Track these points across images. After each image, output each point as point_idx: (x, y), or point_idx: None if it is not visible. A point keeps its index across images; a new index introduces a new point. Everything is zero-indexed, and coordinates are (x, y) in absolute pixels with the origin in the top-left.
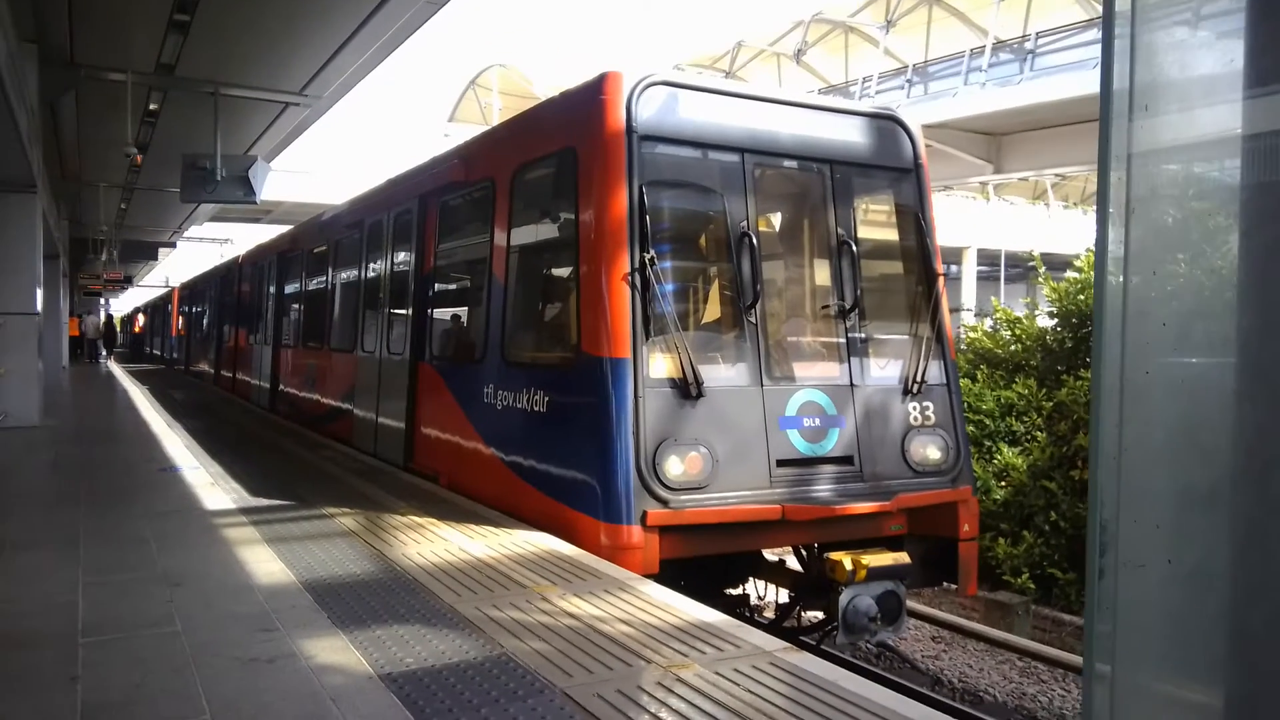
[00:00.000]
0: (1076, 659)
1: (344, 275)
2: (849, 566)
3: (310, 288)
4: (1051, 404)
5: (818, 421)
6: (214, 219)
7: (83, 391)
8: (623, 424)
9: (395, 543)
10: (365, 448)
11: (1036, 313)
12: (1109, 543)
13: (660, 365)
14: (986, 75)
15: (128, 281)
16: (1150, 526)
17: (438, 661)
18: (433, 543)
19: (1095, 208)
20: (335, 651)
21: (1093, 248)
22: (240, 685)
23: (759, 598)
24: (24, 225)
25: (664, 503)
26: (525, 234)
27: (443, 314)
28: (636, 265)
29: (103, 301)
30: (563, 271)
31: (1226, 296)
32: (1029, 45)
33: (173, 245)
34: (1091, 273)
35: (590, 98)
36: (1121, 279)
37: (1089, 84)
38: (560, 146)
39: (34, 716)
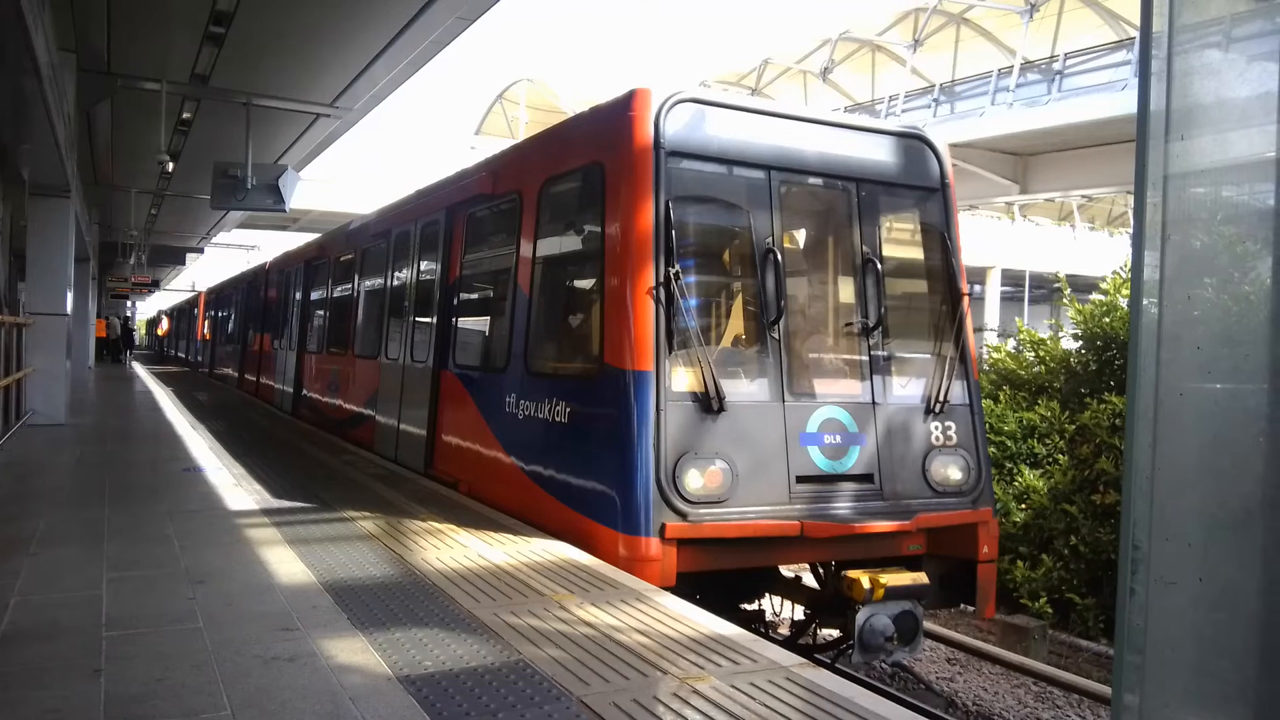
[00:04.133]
0: (1093, 685)
1: (370, 283)
2: (866, 585)
3: (336, 295)
4: (1074, 427)
5: (838, 439)
6: (241, 226)
7: (108, 391)
8: (643, 436)
9: (415, 547)
10: (386, 453)
11: (1061, 335)
12: (1141, 560)
13: (682, 378)
14: (1014, 95)
15: (155, 285)
16: (1182, 545)
17: (455, 665)
18: (452, 549)
19: (1131, 231)
20: (355, 652)
21: (1119, 271)
22: (260, 683)
23: (774, 614)
24: (57, 229)
25: (683, 516)
26: (551, 246)
27: (467, 323)
28: (661, 279)
29: (129, 304)
30: (587, 284)
31: (1257, 321)
32: (1057, 66)
33: (200, 251)
34: (1117, 295)
35: (619, 114)
36: (1157, 302)
37: (1118, 106)
38: (588, 161)
39: (58, 706)
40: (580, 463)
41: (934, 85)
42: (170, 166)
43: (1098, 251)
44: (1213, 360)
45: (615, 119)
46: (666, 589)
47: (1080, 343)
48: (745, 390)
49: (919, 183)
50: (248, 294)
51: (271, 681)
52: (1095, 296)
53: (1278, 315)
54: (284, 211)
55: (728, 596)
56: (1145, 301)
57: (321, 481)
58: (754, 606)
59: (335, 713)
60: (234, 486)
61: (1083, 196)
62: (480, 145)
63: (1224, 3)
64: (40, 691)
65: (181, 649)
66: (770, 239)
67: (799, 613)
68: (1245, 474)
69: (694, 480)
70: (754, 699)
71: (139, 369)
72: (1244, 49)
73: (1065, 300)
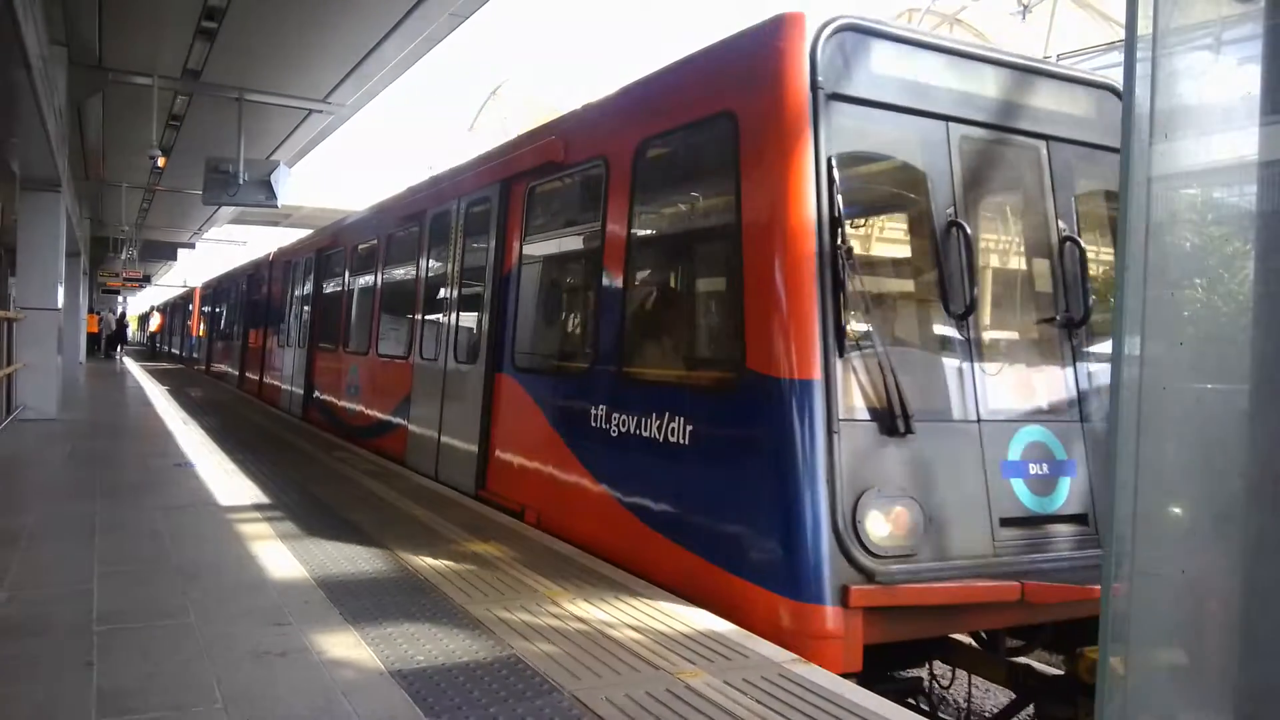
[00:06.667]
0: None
1: (397, 273)
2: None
3: (355, 287)
4: None
5: (1045, 469)
6: (233, 221)
7: (99, 387)
8: (813, 466)
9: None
10: (422, 468)
11: None
12: (1124, 553)
13: (857, 390)
14: None
15: (146, 280)
16: (1165, 538)
17: (448, 660)
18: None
19: (1115, 230)
20: (347, 647)
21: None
22: (252, 677)
23: (939, 684)
24: (48, 224)
25: (868, 575)
26: (653, 221)
27: (531, 317)
28: (827, 259)
29: (121, 299)
30: (714, 267)
31: (1241, 319)
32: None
33: (192, 246)
34: None
35: (759, 46)
36: (1141, 299)
37: None
38: (710, 112)
39: (50, 701)
40: (714, 498)
41: None
42: (161, 161)
43: None
44: (1197, 357)
45: (754, 53)
46: (849, 675)
47: None
48: (931, 405)
49: (1115, 144)
50: (249, 287)
51: (263, 676)
52: None
53: (1261, 314)
54: (275, 207)
55: (880, 661)
56: (1130, 299)
57: (319, 481)
58: (911, 674)
59: (327, 707)
60: (226, 482)
61: None
62: (473, 142)
63: (1209, 6)
64: (32, 686)
65: (173, 644)
66: (953, 208)
67: (979, 686)
68: (1227, 469)
69: (878, 526)
70: (746, 694)
71: (131, 365)
72: (1228, 52)
73: None
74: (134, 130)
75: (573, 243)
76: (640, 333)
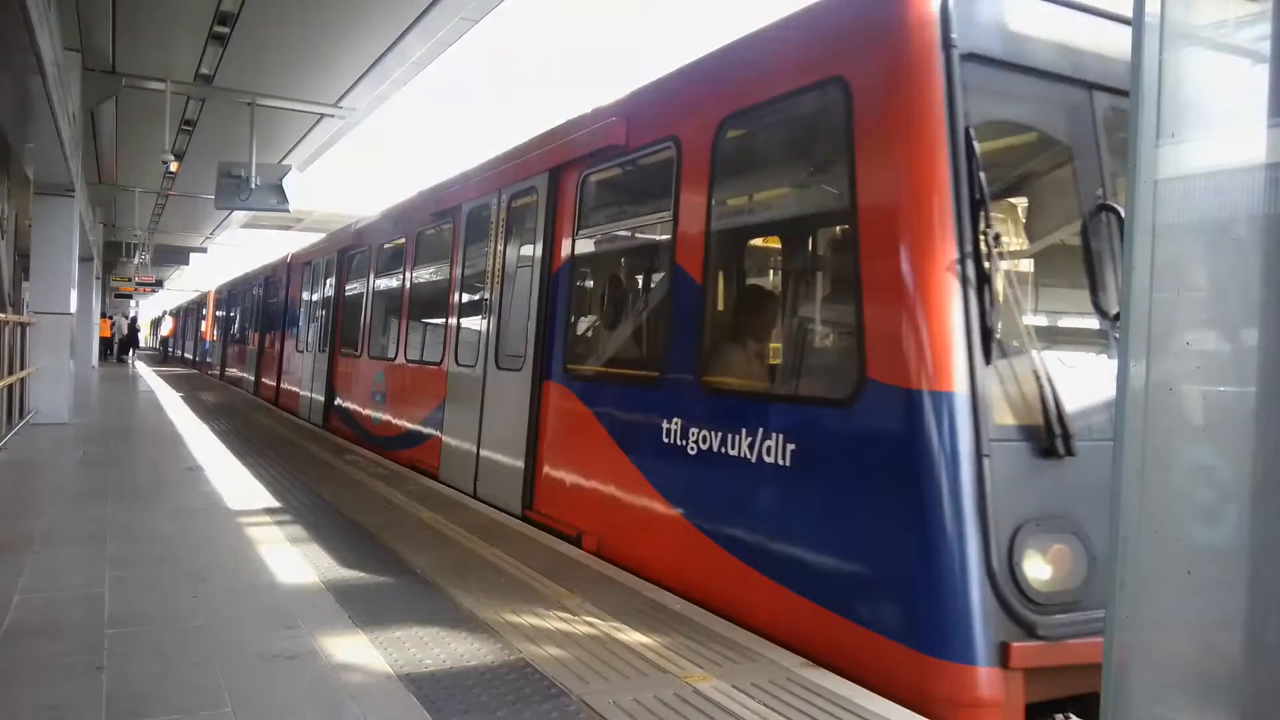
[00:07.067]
0: None
1: (429, 273)
2: None
3: (381, 288)
4: None
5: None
6: (246, 226)
7: (111, 391)
8: (959, 497)
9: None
10: (460, 484)
11: None
12: (1130, 553)
13: (1006, 405)
14: None
15: (159, 285)
16: (1171, 538)
17: (456, 664)
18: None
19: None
20: (356, 650)
21: None
22: (261, 680)
23: None
24: (61, 228)
25: (1029, 629)
26: (738, 209)
27: (587, 319)
28: (969, 249)
29: (133, 303)
30: (818, 259)
31: (1248, 321)
32: None
33: (204, 250)
34: None
35: (875, 1)
36: (1148, 298)
37: None
38: (814, 79)
39: (60, 703)
40: (826, 528)
41: None
42: (174, 166)
43: None
44: (1203, 357)
45: (869, 10)
46: None
47: None
48: (1089, 421)
49: None
50: (266, 290)
51: (272, 679)
52: None
53: (1267, 314)
54: (287, 211)
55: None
56: (1137, 297)
57: (328, 484)
58: None
59: (336, 710)
60: (236, 485)
61: None
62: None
63: (1218, 6)
64: (43, 689)
65: (183, 647)
66: (1102, 190)
67: None
68: (1233, 469)
69: (1038, 568)
70: (754, 699)
71: (143, 370)
72: (1237, 52)
73: None
74: (147, 135)
75: (637, 236)
76: (723, 336)
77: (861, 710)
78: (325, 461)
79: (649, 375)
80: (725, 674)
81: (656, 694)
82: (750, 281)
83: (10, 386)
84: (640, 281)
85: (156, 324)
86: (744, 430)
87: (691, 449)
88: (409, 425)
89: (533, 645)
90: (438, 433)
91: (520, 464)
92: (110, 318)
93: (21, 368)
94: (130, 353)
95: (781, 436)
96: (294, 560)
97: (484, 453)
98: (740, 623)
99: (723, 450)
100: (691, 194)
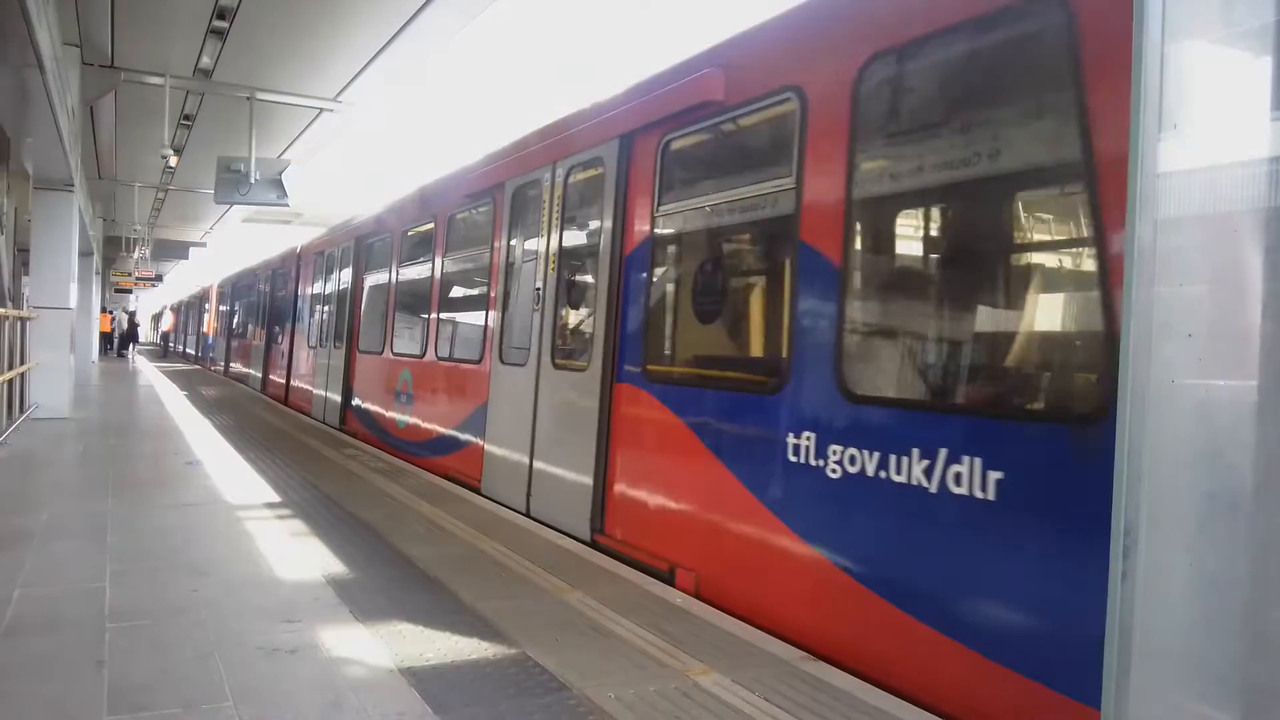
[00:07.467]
0: None
1: (464, 261)
2: None
3: (406, 279)
4: None
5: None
6: (246, 220)
7: (112, 386)
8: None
9: (412, 538)
10: (509, 500)
11: None
12: (1132, 546)
13: None
14: None
15: (159, 279)
16: (1172, 531)
17: (457, 657)
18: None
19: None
20: (357, 644)
21: None
22: (262, 674)
23: None
24: (61, 223)
25: None
26: (894, 171)
27: (674, 311)
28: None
29: (133, 297)
30: (1025, 234)
31: (1250, 313)
32: None
33: (204, 245)
34: None
35: None
36: (1150, 291)
37: None
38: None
39: (61, 698)
40: (1061, 588)
41: None
42: (173, 161)
43: None
44: (1206, 351)
45: None
46: None
47: None
48: None
49: None
50: (274, 283)
51: (273, 673)
52: None
53: (1270, 308)
54: (287, 206)
55: None
56: (1138, 291)
57: (329, 479)
58: None
59: (337, 704)
60: (236, 480)
61: None
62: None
63: None
64: (43, 683)
65: (184, 640)
66: None
67: None
68: (1235, 462)
69: None
70: (755, 692)
71: (144, 365)
72: (1239, 44)
73: None
74: (146, 130)
75: (743, 209)
76: (876, 333)
77: (862, 704)
78: (325, 456)
79: (767, 381)
80: (726, 668)
81: (657, 687)
82: (923, 265)
83: (10, 381)
84: (745, 265)
85: (157, 318)
86: (909, 450)
87: (833, 472)
88: (442, 430)
89: (534, 639)
90: (478, 440)
91: (588, 480)
92: (110, 312)
93: (22, 363)
94: (130, 348)
95: (978, 460)
96: (295, 554)
97: (539, 465)
98: (920, 703)
99: (883, 474)
100: (822, 155)
